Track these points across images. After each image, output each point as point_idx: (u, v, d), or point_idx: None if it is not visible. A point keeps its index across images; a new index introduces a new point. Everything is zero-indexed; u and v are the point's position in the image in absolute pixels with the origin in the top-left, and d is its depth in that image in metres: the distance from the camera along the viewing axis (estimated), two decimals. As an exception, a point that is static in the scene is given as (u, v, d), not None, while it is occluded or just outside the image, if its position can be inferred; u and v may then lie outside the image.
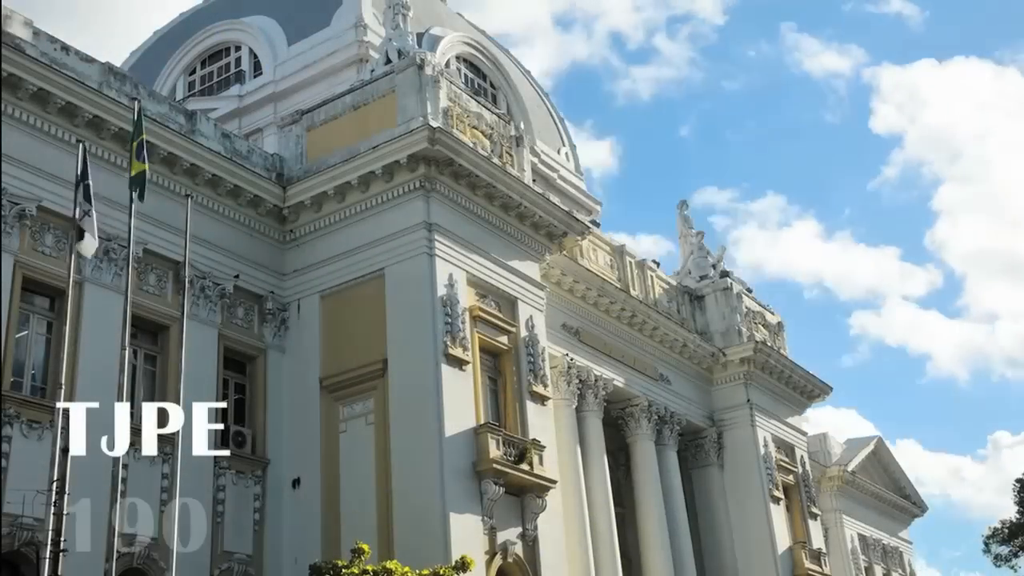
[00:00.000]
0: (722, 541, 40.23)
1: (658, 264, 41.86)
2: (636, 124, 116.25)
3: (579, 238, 33.92)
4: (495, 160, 30.56)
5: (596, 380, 35.26)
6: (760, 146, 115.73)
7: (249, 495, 27.19)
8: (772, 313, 47.01)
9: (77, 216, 18.42)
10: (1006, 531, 47.37)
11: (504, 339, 30.03)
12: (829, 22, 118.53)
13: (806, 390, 46.36)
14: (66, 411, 20.95)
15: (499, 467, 27.18)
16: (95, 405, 22.90)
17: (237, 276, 28.52)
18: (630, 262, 39.36)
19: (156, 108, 27.48)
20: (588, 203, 48.32)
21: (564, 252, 34.02)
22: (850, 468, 55.19)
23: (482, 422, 27.83)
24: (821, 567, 41.89)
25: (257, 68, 42.33)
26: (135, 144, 19.63)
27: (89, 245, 18.70)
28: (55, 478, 16.69)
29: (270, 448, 28.03)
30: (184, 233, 22.22)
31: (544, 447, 29.34)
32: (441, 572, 22.77)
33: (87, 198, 18.38)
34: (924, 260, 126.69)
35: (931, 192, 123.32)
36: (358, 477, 26.94)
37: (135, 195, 19.45)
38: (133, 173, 19.53)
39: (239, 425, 27.87)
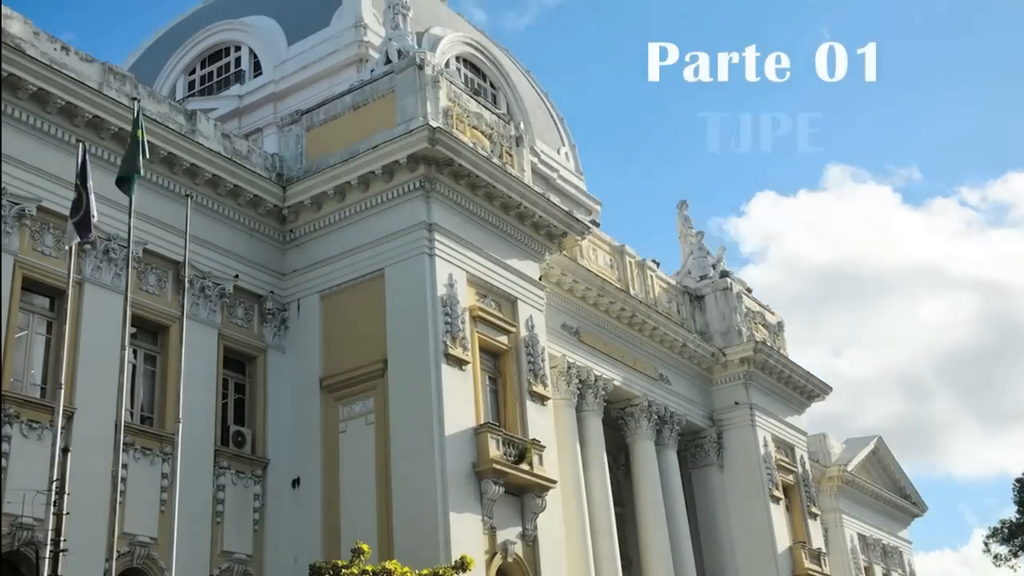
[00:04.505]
0: (722, 541, 40.23)
1: (658, 264, 41.89)
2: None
3: (579, 238, 33.91)
4: (495, 160, 30.55)
5: (596, 380, 35.27)
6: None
7: (249, 495, 27.17)
8: (772, 313, 47.05)
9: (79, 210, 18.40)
10: (1006, 531, 47.41)
11: (504, 339, 30.03)
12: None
13: (806, 390, 46.38)
14: (66, 411, 21.07)
15: (499, 467, 27.18)
16: (95, 405, 23.16)
17: (237, 276, 28.51)
18: (630, 262, 39.38)
19: (156, 108, 27.47)
20: (588, 203, 48.29)
21: (564, 252, 34.01)
22: (850, 468, 55.20)
23: (482, 422, 27.82)
24: (821, 567, 41.90)
25: (257, 68, 42.27)
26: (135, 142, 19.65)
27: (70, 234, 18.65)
28: (55, 478, 16.68)
29: (270, 448, 28.02)
30: (184, 233, 22.26)
31: (544, 447, 29.34)
32: (441, 572, 22.78)
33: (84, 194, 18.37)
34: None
35: None
36: (358, 477, 26.93)
37: (125, 191, 19.57)
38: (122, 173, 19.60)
39: (239, 425, 27.84)
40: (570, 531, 30.67)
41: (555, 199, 33.86)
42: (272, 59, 41.46)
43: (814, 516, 44.11)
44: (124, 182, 19.51)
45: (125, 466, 23.34)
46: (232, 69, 43.16)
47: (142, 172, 20.02)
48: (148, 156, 20.46)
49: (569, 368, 34.10)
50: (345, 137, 29.96)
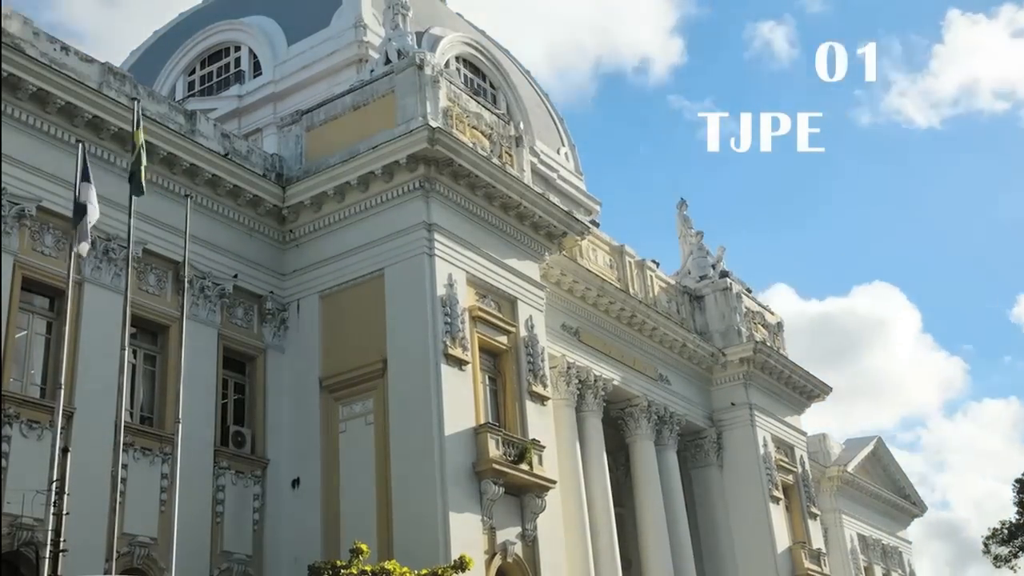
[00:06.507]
0: (722, 541, 40.24)
1: (657, 264, 41.92)
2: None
3: (579, 238, 33.91)
4: (495, 160, 30.56)
5: (596, 380, 35.27)
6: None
7: (249, 495, 27.18)
8: (771, 313, 47.08)
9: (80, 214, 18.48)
10: (1006, 531, 47.32)
11: (504, 339, 30.03)
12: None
13: (805, 390, 46.39)
14: (66, 411, 21.07)
15: (499, 467, 27.18)
16: (95, 405, 23.16)
17: (236, 276, 28.51)
18: (629, 262, 39.39)
19: (156, 108, 27.48)
20: (588, 203, 48.31)
21: (564, 252, 34.02)
22: (849, 468, 55.24)
23: (482, 422, 27.83)
24: (821, 567, 41.91)
25: (257, 68, 42.28)
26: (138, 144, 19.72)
27: (83, 247, 18.83)
28: (55, 478, 16.69)
29: (270, 448, 28.02)
30: (184, 233, 22.27)
31: (544, 447, 29.34)
32: (440, 572, 22.78)
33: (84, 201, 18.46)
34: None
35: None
36: (358, 477, 26.93)
37: (134, 190, 19.65)
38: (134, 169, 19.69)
39: (239, 425, 27.85)
40: (570, 531, 30.66)
41: (555, 199, 33.87)
42: (272, 59, 41.47)
43: (814, 516, 44.12)
44: (134, 182, 19.63)
45: (125, 466, 23.34)
46: (232, 69, 43.16)
47: (143, 175, 20.04)
48: (147, 160, 20.53)
49: (569, 368, 34.10)
50: (345, 137, 29.96)
